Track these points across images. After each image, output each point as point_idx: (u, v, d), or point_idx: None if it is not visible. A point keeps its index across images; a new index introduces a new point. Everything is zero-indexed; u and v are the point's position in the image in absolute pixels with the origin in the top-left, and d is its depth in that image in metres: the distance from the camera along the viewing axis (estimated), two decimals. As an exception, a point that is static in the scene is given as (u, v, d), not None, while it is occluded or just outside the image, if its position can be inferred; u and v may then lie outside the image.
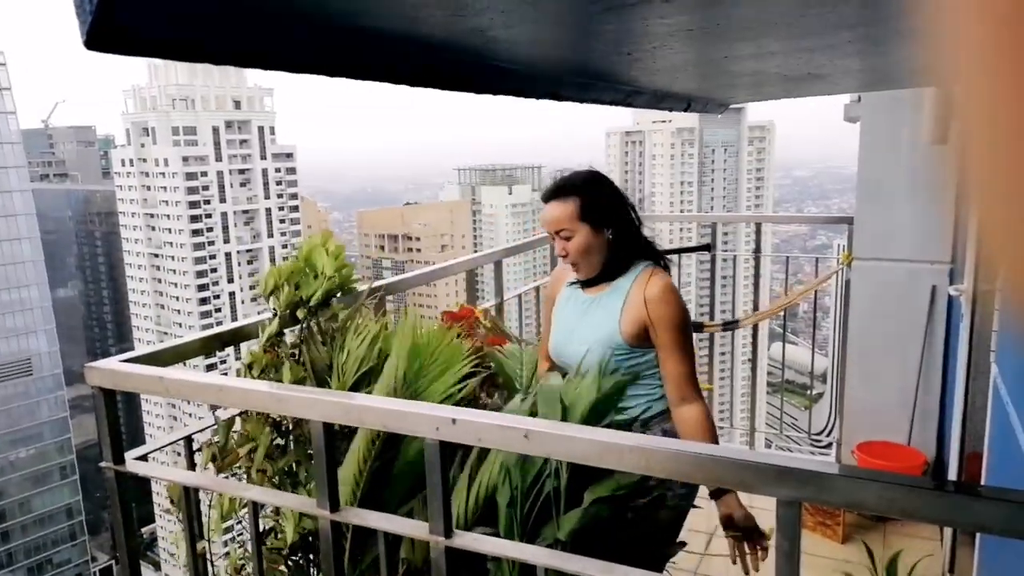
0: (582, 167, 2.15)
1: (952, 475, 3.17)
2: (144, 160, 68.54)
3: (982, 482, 2.36)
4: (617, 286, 2.09)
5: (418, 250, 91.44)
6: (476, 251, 3.11)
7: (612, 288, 2.10)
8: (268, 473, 1.71)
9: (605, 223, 2.06)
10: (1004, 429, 1.87)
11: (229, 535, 1.80)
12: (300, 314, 1.89)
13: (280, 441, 1.76)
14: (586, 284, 2.15)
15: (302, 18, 0.82)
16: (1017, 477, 1.58)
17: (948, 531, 3.11)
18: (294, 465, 1.75)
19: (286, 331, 1.90)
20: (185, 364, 1.92)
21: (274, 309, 1.89)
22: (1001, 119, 0.25)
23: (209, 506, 1.70)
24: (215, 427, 1.79)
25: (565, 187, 2.07)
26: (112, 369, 1.62)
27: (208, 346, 1.92)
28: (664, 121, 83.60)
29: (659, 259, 2.14)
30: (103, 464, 1.66)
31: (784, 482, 1.05)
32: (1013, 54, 0.24)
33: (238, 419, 1.80)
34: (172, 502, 1.72)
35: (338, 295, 1.99)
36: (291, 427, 1.76)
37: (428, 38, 1.01)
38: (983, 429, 2.39)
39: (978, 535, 2.36)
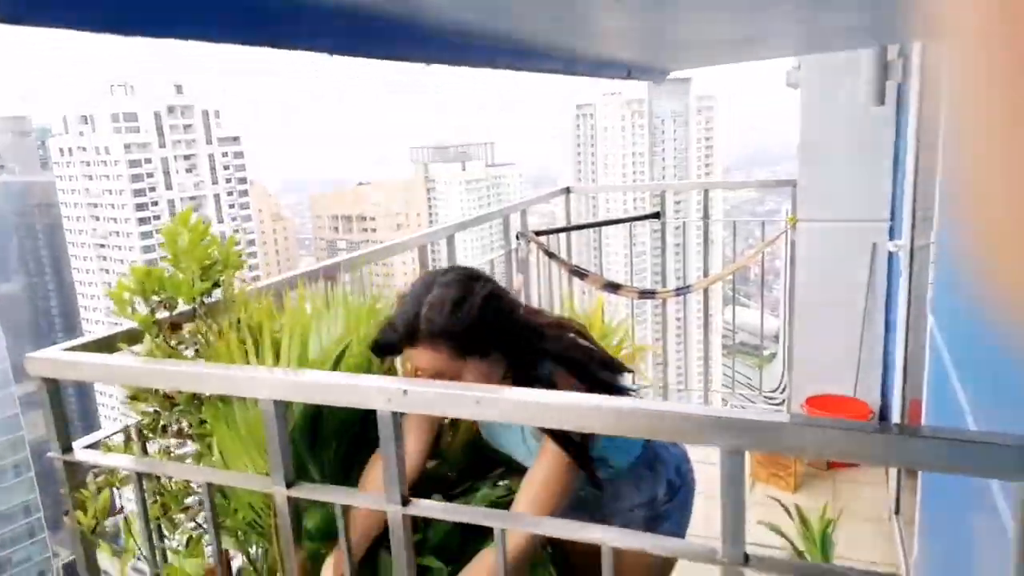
0: (424, 286, 1.58)
1: (895, 421, 3.30)
2: (84, 149, 66.47)
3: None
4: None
5: (373, 230, 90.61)
6: (431, 228, 3.11)
7: None
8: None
9: (491, 347, 1.58)
10: (940, 373, 1.95)
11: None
12: (186, 302, 1.75)
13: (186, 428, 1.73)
14: None
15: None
16: (953, 417, 1.65)
17: (893, 478, 3.23)
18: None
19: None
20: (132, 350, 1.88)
21: (140, 326, 1.71)
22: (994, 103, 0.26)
23: (142, 504, 1.63)
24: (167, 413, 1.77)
25: (419, 329, 1.54)
26: (53, 358, 1.59)
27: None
28: (614, 93, 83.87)
29: (564, 358, 1.60)
30: (51, 454, 1.64)
31: (727, 432, 1.09)
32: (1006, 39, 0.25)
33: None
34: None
35: (221, 279, 1.79)
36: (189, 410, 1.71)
37: (354, 5, 1.00)
38: (922, 376, 2.49)
39: (920, 479, 2.47)
